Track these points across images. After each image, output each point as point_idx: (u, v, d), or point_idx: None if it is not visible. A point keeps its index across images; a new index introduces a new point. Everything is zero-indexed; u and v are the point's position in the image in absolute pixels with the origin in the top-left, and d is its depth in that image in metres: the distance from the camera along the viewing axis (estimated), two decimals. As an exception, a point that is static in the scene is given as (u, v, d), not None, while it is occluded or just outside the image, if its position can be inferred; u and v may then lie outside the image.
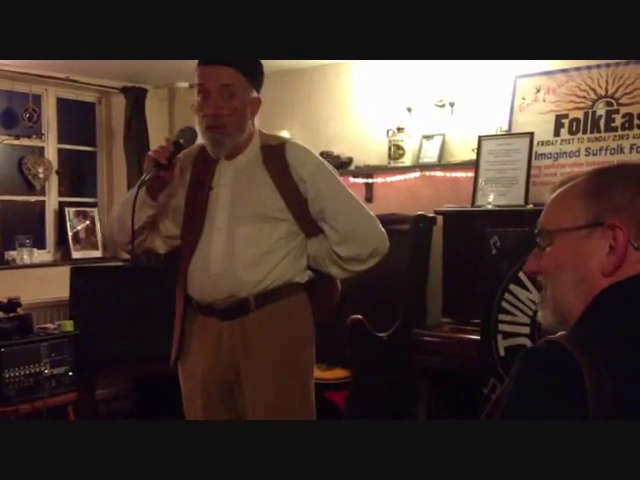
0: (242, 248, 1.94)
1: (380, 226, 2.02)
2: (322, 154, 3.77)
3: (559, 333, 0.91)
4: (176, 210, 2.04)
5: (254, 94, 1.93)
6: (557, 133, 3.16)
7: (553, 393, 0.85)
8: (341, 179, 2.05)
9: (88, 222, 4.27)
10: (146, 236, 2.06)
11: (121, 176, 4.32)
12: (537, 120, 3.21)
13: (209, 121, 1.91)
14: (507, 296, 2.51)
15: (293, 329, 2.01)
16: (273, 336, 1.97)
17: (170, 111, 4.63)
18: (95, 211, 4.35)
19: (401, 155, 3.63)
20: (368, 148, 3.79)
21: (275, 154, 1.98)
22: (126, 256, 4.13)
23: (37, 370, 3.23)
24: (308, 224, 1.98)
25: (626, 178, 1.00)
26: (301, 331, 2.03)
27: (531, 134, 3.16)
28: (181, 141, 1.92)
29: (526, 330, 2.44)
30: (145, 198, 1.92)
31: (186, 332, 2.04)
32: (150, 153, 1.92)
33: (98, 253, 4.26)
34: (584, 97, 3.11)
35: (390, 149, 3.65)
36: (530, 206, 3.02)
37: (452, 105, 3.49)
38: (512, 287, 2.50)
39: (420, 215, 3.24)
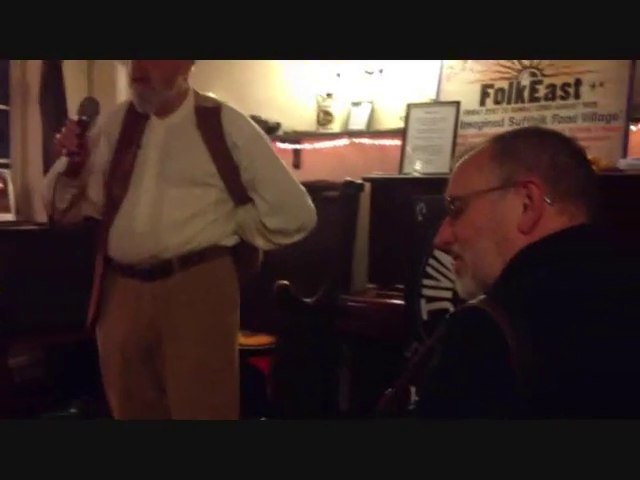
0: (169, 210, 1.89)
1: (310, 202, 2.01)
2: (250, 118, 3.69)
3: (478, 297, 0.91)
4: (104, 174, 1.96)
5: None
6: (483, 103, 3.20)
7: (477, 357, 0.85)
8: (274, 149, 2.02)
9: (0, 183, 4.05)
10: (79, 207, 1.99)
11: (36, 137, 4.11)
12: (464, 89, 3.24)
13: (133, 73, 1.84)
14: (431, 261, 2.53)
15: (218, 292, 1.98)
16: (196, 299, 1.93)
17: (89, 72, 4.43)
18: (7, 173, 4.14)
19: (329, 121, 3.60)
20: (296, 113, 3.74)
21: (210, 117, 1.93)
22: (41, 220, 3.96)
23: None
24: (238, 192, 1.95)
25: (530, 139, 1.03)
26: (226, 294, 2.01)
27: (457, 103, 3.19)
28: (84, 118, 1.85)
29: (449, 294, 2.47)
30: (66, 181, 1.85)
31: (105, 294, 1.97)
32: (59, 138, 1.84)
33: (11, 216, 4.05)
34: (510, 67, 3.15)
35: (318, 115, 3.62)
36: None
37: (381, 72, 3.47)
38: (436, 252, 2.53)
39: (348, 181, 3.24)
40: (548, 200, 0.99)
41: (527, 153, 1.01)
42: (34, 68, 4.13)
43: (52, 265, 3.39)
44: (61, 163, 1.90)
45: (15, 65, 4.25)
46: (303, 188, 2.02)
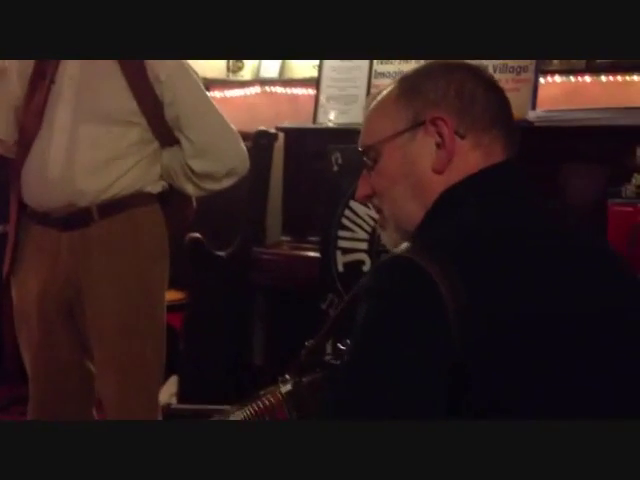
0: (85, 151, 1.76)
1: (241, 144, 1.92)
2: (156, 64, 3.54)
3: (402, 246, 0.87)
4: (14, 110, 1.80)
5: None
6: (397, 52, 3.18)
7: (411, 309, 0.81)
8: (202, 85, 1.90)
9: None
10: None
11: None
12: (378, 38, 3.20)
13: None
14: (347, 212, 2.52)
15: (142, 242, 1.86)
16: (119, 249, 1.82)
17: None
18: None
19: (240, 68, 3.51)
20: (206, 61, 3.59)
21: None
22: None
23: None
24: (163, 132, 1.83)
25: (434, 73, 0.99)
26: (152, 244, 1.89)
27: (372, 52, 3.15)
28: None
29: (364, 246, 2.47)
30: None
31: (20, 243, 1.83)
32: None
33: None
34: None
35: (229, 62, 3.50)
36: (370, 125, 3.04)
37: (294, 18, 3.38)
38: (352, 203, 2.51)
39: (261, 131, 3.15)
40: (459, 134, 0.94)
41: (431, 88, 0.97)
42: None
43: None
44: None
45: None
46: (234, 128, 1.92)
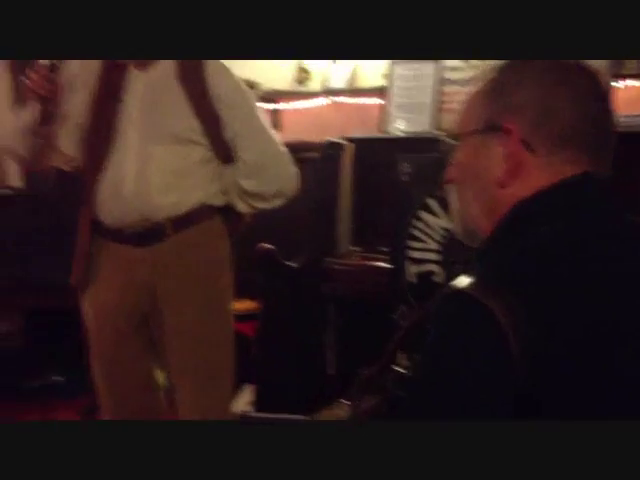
0: (156, 169, 1.83)
1: (292, 166, 1.95)
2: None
3: (469, 278, 0.84)
4: (79, 126, 1.88)
5: None
6: (466, 59, 3.14)
7: (473, 350, 0.81)
8: (260, 108, 1.95)
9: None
10: (47, 157, 1.91)
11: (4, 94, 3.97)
12: (446, 45, 3.18)
13: None
14: (417, 223, 2.51)
15: (210, 253, 1.94)
16: (190, 261, 1.89)
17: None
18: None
19: (308, 79, 3.54)
20: (274, 72, 3.65)
21: (193, 70, 1.85)
22: (17, 184, 3.86)
23: None
24: (223, 150, 1.89)
25: (523, 74, 0.92)
26: (219, 255, 1.97)
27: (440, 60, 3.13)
28: (55, 62, 1.75)
29: (435, 257, 2.45)
30: (34, 129, 1.77)
31: (93, 259, 1.91)
32: (27, 82, 1.75)
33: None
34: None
35: (297, 73, 3.54)
36: (439, 133, 3.02)
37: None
38: (422, 214, 2.50)
39: (330, 142, 3.17)
40: (529, 148, 0.89)
41: (515, 92, 0.90)
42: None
43: (32, 228, 3.31)
44: (28, 109, 1.81)
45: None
46: (285, 150, 1.96)
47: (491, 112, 0.91)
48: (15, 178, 3.78)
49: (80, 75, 1.87)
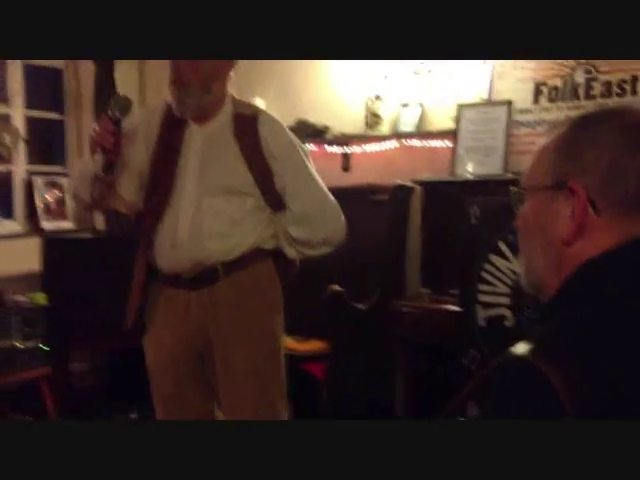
0: (211, 218, 1.92)
1: (340, 215, 2.00)
2: (298, 122, 3.70)
3: (527, 345, 0.83)
4: (139, 174, 1.99)
5: None
6: (536, 101, 3.14)
7: (529, 412, 0.81)
8: (310, 161, 2.01)
9: (58, 192, 4.15)
10: (108, 201, 2.03)
11: (91, 144, 4.21)
12: (516, 88, 3.18)
13: (171, 75, 1.86)
14: (487, 266, 2.50)
15: (262, 293, 2.00)
16: (243, 301, 1.96)
17: (140, 79, 4.50)
18: (65, 181, 4.24)
19: (378, 123, 3.59)
20: (344, 116, 3.73)
21: (247, 125, 1.94)
22: (99, 227, 4.05)
23: (9, 344, 3.16)
24: (274, 199, 1.97)
25: (597, 131, 0.91)
26: (270, 295, 2.03)
27: (510, 102, 3.13)
28: (118, 115, 1.86)
29: (506, 300, 2.44)
30: (99, 178, 1.89)
31: (150, 303, 2.01)
32: (93, 135, 1.87)
33: (69, 224, 4.16)
34: (563, 64, 3.08)
35: (367, 117, 3.60)
36: (509, 175, 3.01)
37: (430, 72, 3.43)
38: (492, 257, 2.49)
39: (399, 185, 3.21)
40: (596, 209, 0.88)
41: (586, 150, 0.89)
42: (87, 75, 4.22)
43: (114, 270, 3.44)
44: (93, 160, 1.92)
45: (68, 73, 4.35)
46: (334, 200, 2.01)
47: (560, 169, 0.91)
48: (99, 221, 3.98)
49: (141, 127, 1.98)
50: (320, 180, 2.01)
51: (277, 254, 2.03)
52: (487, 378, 1.12)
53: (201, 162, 1.94)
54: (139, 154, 1.97)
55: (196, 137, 1.95)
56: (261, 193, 1.94)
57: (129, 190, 2.00)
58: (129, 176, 1.97)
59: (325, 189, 2.01)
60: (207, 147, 1.95)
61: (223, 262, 1.93)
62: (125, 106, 1.88)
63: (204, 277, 1.93)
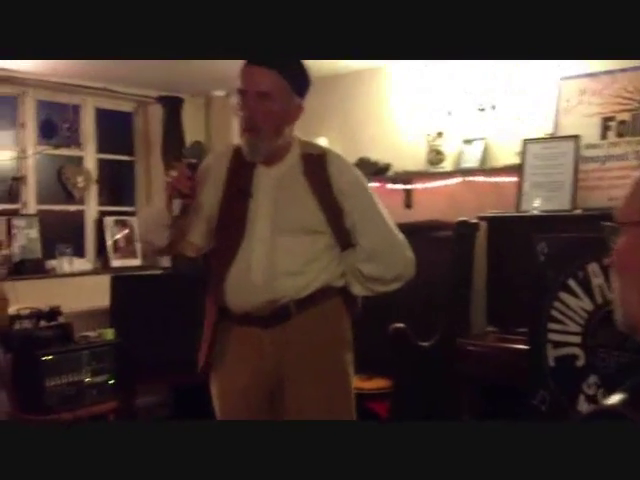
0: (284, 258, 1.94)
1: (408, 252, 2.00)
2: (360, 160, 3.73)
3: (620, 395, 0.80)
4: (207, 218, 2.02)
5: (296, 100, 1.90)
6: (604, 136, 3.07)
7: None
8: (377, 197, 2.02)
9: (127, 231, 4.29)
10: (176, 246, 2.07)
11: (159, 185, 4.34)
12: (583, 123, 3.13)
13: (244, 123, 1.90)
14: (557, 304, 2.43)
15: (333, 331, 2.00)
16: (315, 339, 1.96)
17: (207, 119, 4.64)
18: (134, 220, 4.37)
19: (441, 160, 3.58)
20: (406, 153, 3.74)
21: (316, 164, 1.97)
22: (165, 264, 4.15)
23: (78, 379, 3.23)
24: (343, 237, 1.98)
25: None
26: (341, 333, 2.02)
27: (577, 137, 3.08)
28: (194, 161, 1.92)
29: (577, 339, 2.35)
30: (174, 222, 1.93)
31: (220, 342, 2.02)
32: (170, 181, 1.91)
33: (137, 262, 4.27)
34: (630, 99, 3.02)
35: (429, 154, 3.60)
36: (578, 211, 2.94)
37: (493, 108, 3.42)
38: (562, 295, 2.42)
39: (463, 221, 3.18)
40: None
41: None
42: (155, 116, 4.38)
43: (180, 306, 3.51)
44: (172, 205, 1.95)
45: (137, 116, 4.52)
46: (402, 237, 2.01)
47: None
48: (165, 259, 4.08)
49: (212, 171, 2.03)
50: (388, 216, 2.01)
51: (346, 292, 2.03)
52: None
53: (273, 203, 1.96)
54: (208, 198, 2.01)
55: (266, 179, 1.98)
56: (332, 231, 1.96)
57: (197, 234, 2.04)
58: (198, 220, 2.01)
59: (393, 225, 2.02)
60: (278, 188, 1.97)
61: (295, 300, 1.94)
62: (198, 151, 1.94)
63: (277, 315, 1.94)
